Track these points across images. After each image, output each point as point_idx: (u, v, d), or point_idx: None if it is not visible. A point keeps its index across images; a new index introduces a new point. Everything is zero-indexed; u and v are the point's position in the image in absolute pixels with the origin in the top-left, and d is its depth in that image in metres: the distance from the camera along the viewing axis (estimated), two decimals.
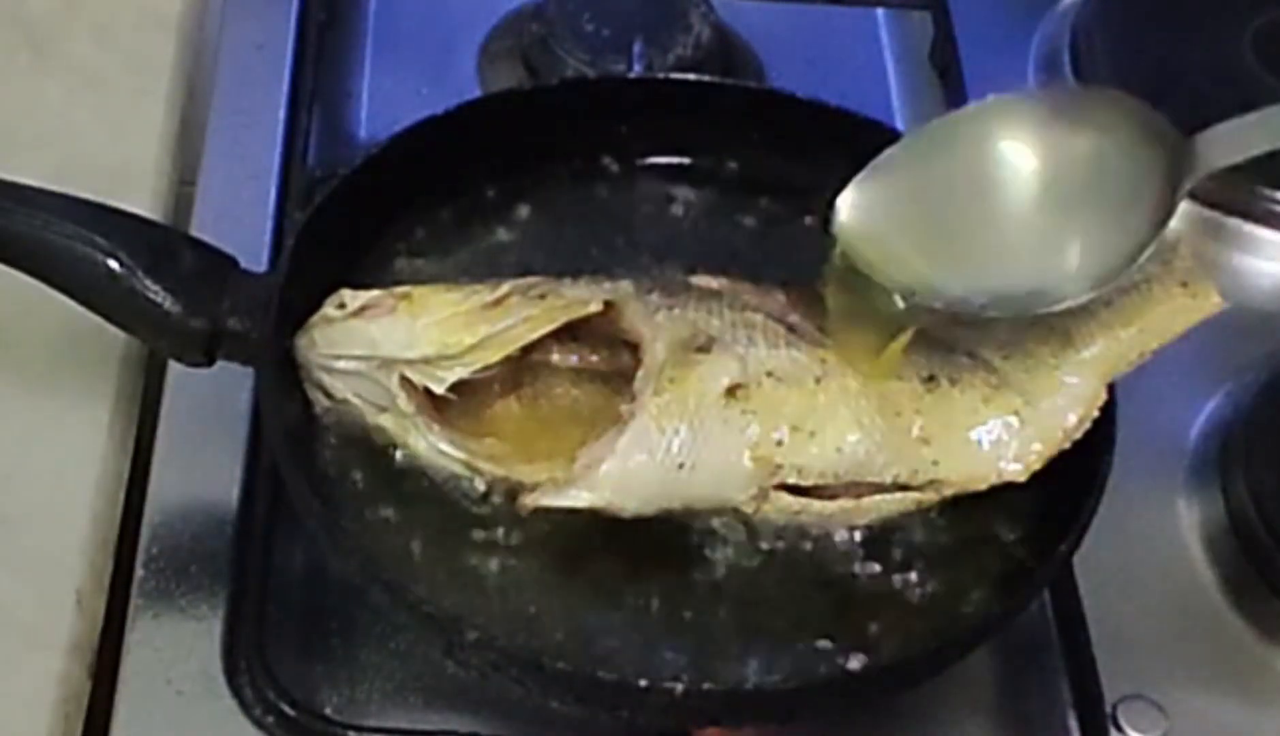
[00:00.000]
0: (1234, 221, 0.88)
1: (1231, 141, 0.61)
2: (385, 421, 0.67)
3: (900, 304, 0.63)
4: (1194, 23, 0.96)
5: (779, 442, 0.64)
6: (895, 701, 0.68)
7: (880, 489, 0.65)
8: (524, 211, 0.77)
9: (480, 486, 0.66)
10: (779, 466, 0.64)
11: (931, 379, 0.66)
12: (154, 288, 0.66)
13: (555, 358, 0.68)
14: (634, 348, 0.67)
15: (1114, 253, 0.62)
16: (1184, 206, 0.86)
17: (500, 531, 0.66)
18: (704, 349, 0.66)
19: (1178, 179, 0.61)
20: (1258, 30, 0.95)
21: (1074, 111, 0.64)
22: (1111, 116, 0.63)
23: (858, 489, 0.65)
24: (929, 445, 0.65)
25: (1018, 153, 0.64)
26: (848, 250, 0.64)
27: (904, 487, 0.65)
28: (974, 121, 0.65)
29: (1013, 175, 0.64)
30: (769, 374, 0.65)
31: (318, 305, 0.68)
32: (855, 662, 0.63)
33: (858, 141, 0.77)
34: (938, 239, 0.64)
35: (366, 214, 0.73)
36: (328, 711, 0.66)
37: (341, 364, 0.67)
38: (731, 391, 0.65)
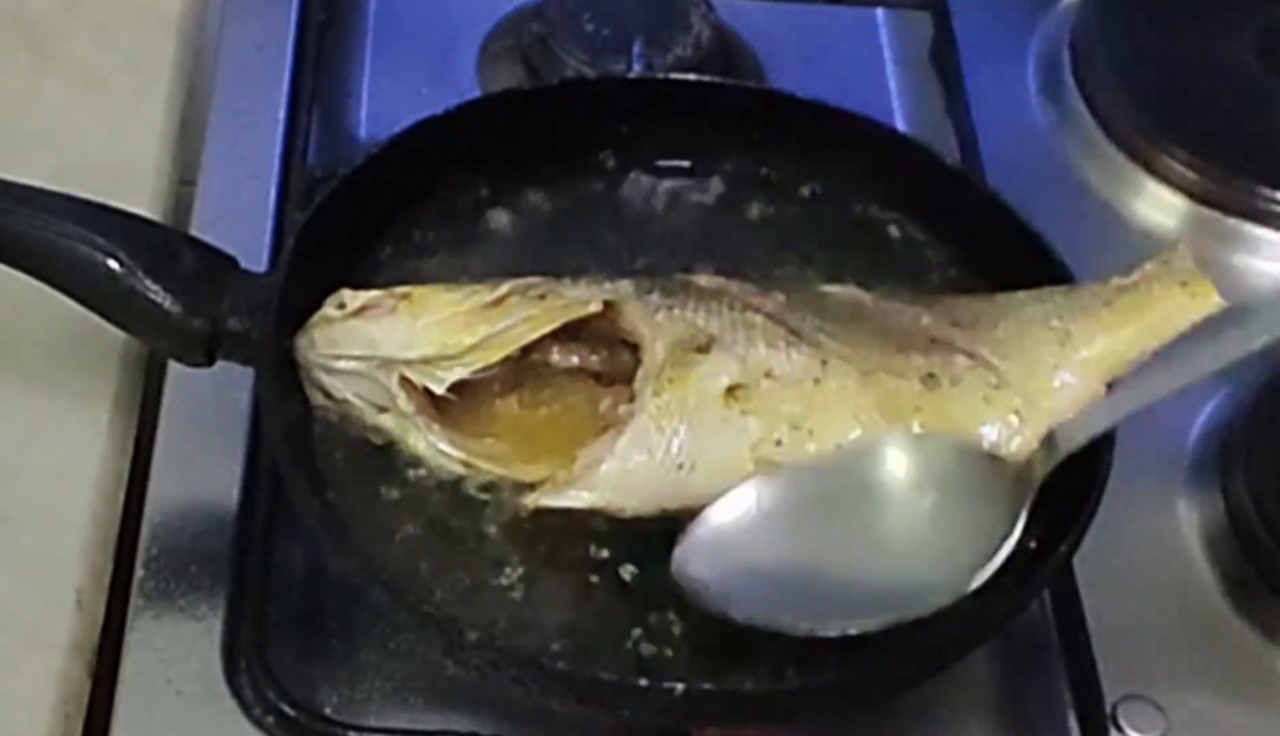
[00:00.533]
0: (1234, 221, 0.88)
1: (1084, 425, 0.63)
2: (385, 421, 0.67)
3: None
4: (1194, 23, 0.96)
5: (778, 442, 0.64)
6: (895, 701, 0.68)
7: None
8: (524, 212, 0.77)
9: (480, 487, 0.66)
10: (779, 466, 0.64)
11: (931, 377, 0.66)
12: (154, 288, 0.66)
13: (555, 358, 0.68)
14: (634, 348, 0.67)
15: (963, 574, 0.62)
16: (1184, 206, 0.88)
17: (501, 531, 0.66)
18: (703, 349, 0.66)
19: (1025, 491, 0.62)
20: (1258, 30, 0.95)
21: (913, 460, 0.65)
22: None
23: None
24: None
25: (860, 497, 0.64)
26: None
27: None
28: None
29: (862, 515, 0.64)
30: (768, 374, 0.65)
31: (318, 305, 0.68)
32: (855, 663, 0.63)
33: (858, 141, 0.78)
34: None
35: (366, 214, 0.73)
36: (328, 711, 0.66)
37: (341, 364, 0.67)
38: (731, 391, 0.65)
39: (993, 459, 0.64)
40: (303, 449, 0.67)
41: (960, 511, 0.63)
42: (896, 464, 0.64)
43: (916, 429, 0.65)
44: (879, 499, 0.64)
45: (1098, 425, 0.63)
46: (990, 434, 0.65)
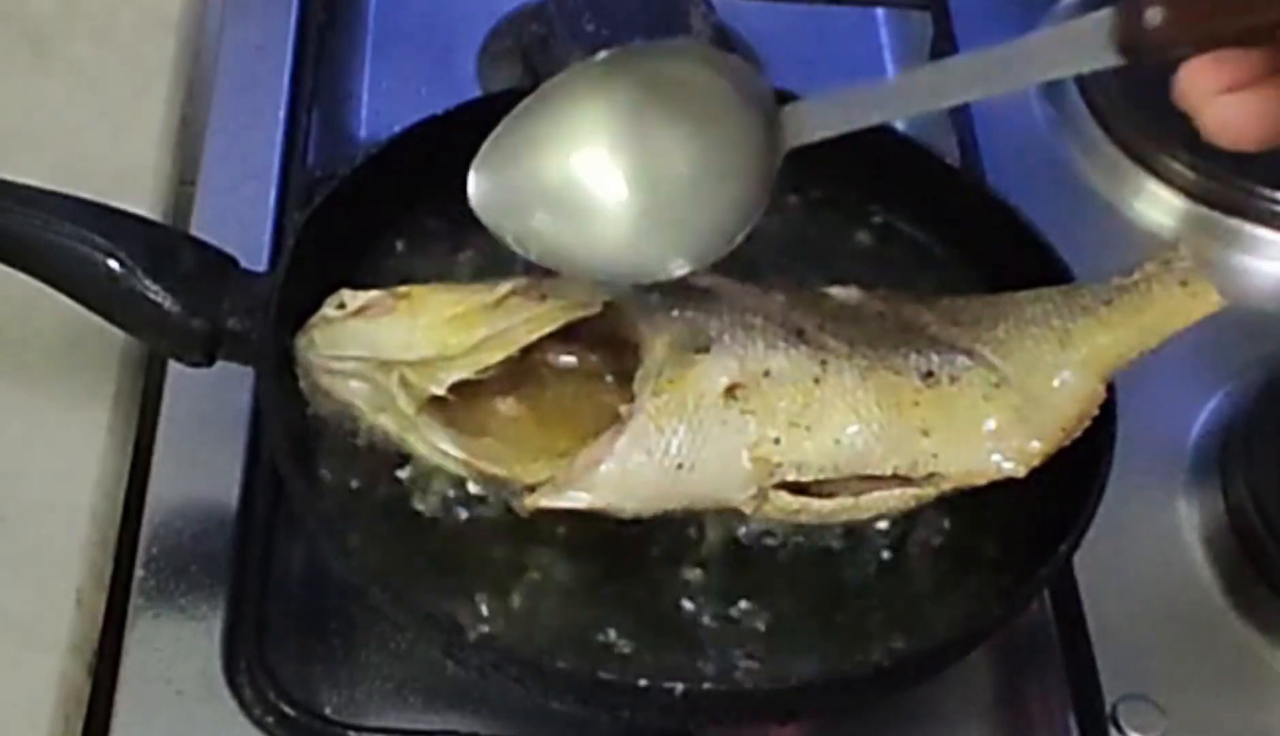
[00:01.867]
0: (1234, 221, 0.88)
1: (820, 117, 0.62)
2: (385, 421, 0.67)
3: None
4: None
5: (776, 440, 0.64)
6: (895, 701, 0.68)
7: (879, 484, 0.65)
8: None
9: (480, 486, 0.66)
10: (778, 465, 0.64)
11: (930, 375, 0.66)
12: (154, 288, 0.66)
13: (555, 358, 0.68)
14: (633, 348, 0.67)
15: (718, 231, 0.62)
16: (1184, 206, 0.88)
17: (499, 530, 0.66)
18: (703, 349, 0.66)
19: (775, 152, 0.62)
20: None
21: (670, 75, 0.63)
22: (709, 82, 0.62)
23: (857, 485, 0.65)
24: (928, 437, 0.65)
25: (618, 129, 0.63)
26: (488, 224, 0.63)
27: (904, 482, 0.65)
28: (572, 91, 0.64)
29: (614, 151, 0.63)
30: (767, 374, 0.65)
31: (318, 305, 0.68)
32: (855, 664, 0.63)
33: (858, 141, 0.77)
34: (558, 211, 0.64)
35: (366, 214, 0.73)
36: (328, 711, 0.66)
37: (341, 364, 0.67)
38: (730, 391, 0.65)
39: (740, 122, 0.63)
40: (303, 449, 0.67)
41: (719, 173, 0.63)
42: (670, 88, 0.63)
43: (917, 423, 0.65)
44: (655, 129, 0.63)
45: (834, 121, 0.62)
46: (992, 433, 0.65)
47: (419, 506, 0.66)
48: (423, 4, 0.95)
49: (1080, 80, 0.93)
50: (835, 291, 0.71)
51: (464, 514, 0.66)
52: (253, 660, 0.66)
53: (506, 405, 0.68)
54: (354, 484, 0.67)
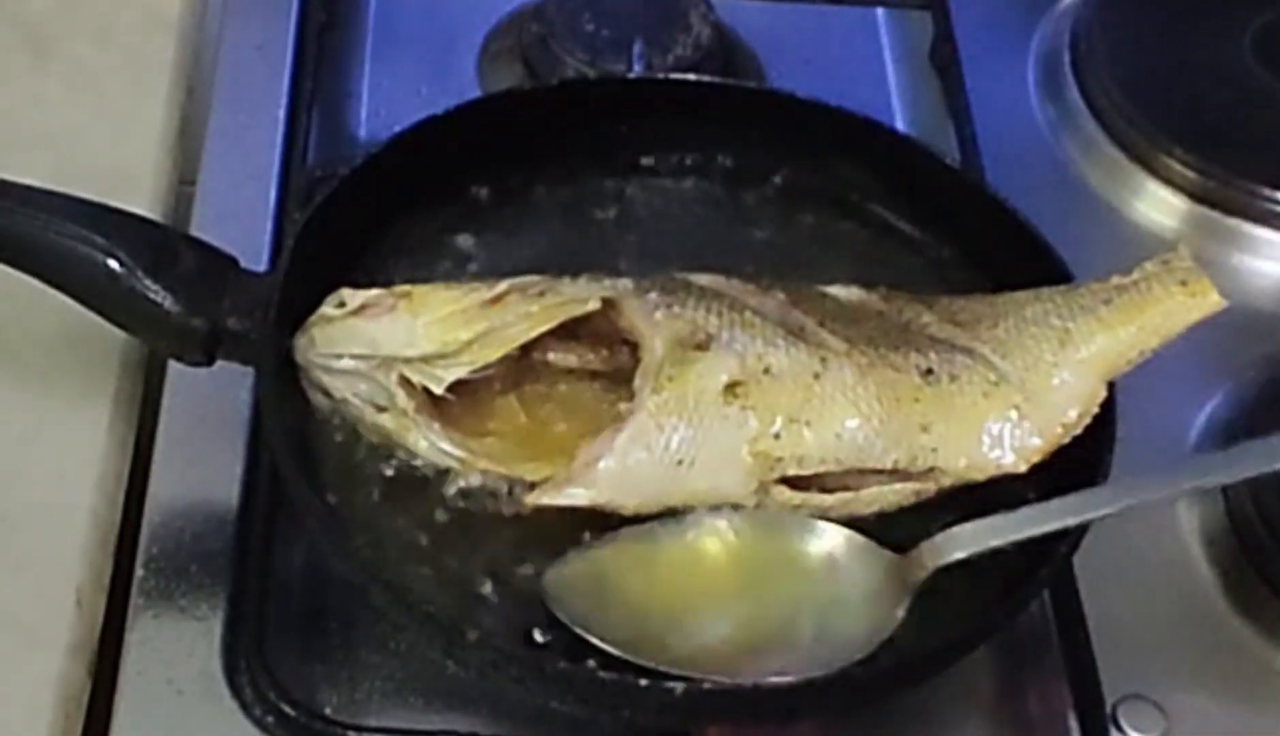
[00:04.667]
0: (1234, 221, 0.88)
1: (950, 546, 0.63)
2: (385, 421, 0.67)
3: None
4: (1194, 23, 0.96)
5: (776, 435, 0.64)
6: (895, 701, 0.68)
7: (879, 479, 0.65)
8: (523, 211, 0.77)
9: (480, 485, 0.66)
10: (779, 460, 0.64)
11: (930, 373, 0.66)
12: (154, 288, 0.66)
13: (554, 356, 0.68)
14: (633, 346, 0.67)
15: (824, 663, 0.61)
16: (1184, 206, 0.88)
17: (499, 529, 0.66)
18: (702, 346, 0.66)
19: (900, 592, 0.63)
20: (1258, 30, 0.95)
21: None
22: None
23: (857, 480, 0.65)
24: (928, 432, 0.65)
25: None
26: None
27: (903, 477, 0.65)
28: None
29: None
30: (767, 371, 0.65)
31: (318, 305, 0.68)
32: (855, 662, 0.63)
33: (858, 141, 0.78)
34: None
35: (366, 214, 0.73)
36: (328, 711, 0.66)
37: (341, 363, 0.67)
38: (730, 388, 0.65)
39: (880, 554, 0.64)
40: (303, 449, 0.67)
41: (843, 596, 0.63)
42: (793, 541, 0.64)
43: (917, 417, 0.65)
44: (770, 569, 0.64)
45: (982, 542, 0.63)
46: (992, 430, 0.66)
47: (419, 504, 0.66)
48: (423, 4, 0.95)
49: (1080, 80, 0.93)
50: (835, 290, 0.71)
51: (464, 511, 0.66)
52: (253, 660, 0.66)
53: (506, 404, 0.68)
54: (353, 483, 0.67)
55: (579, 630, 0.61)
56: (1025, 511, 0.63)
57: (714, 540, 0.64)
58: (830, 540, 0.64)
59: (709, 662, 0.61)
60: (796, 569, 0.64)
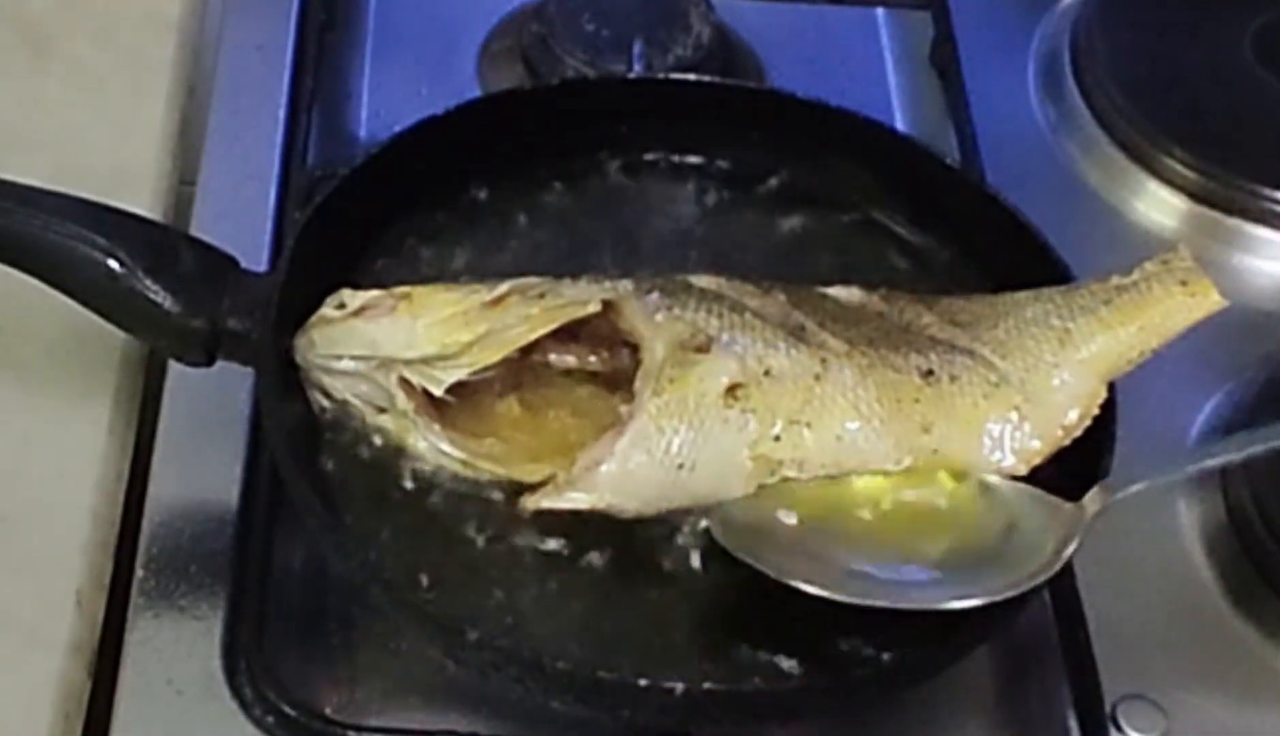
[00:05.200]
0: (1234, 221, 0.88)
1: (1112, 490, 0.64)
2: (385, 422, 0.67)
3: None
4: (1194, 23, 0.96)
5: (776, 437, 0.64)
6: (895, 701, 0.68)
7: None
8: (523, 211, 0.77)
9: (480, 487, 0.66)
10: (780, 463, 0.64)
11: (930, 374, 0.66)
12: (154, 288, 0.66)
13: (555, 358, 0.68)
14: (633, 348, 0.67)
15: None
16: (1184, 206, 0.88)
17: (500, 530, 0.66)
18: (703, 349, 0.66)
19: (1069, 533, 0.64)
20: (1258, 30, 0.95)
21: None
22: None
23: None
24: (929, 433, 0.65)
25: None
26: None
27: None
28: None
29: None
30: (768, 373, 0.65)
31: (318, 305, 0.68)
32: (855, 662, 0.63)
33: (858, 141, 0.78)
34: None
35: (366, 214, 0.73)
36: (328, 711, 0.66)
37: (341, 364, 0.67)
38: (731, 391, 0.65)
39: (1049, 501, 0.65)
40: (303, 449, 0.67)
41: (1017, 542, 0.64)
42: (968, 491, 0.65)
43: (917, 419, 0.65)
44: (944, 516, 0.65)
45: (1143, 481, 0.64)
46: (992, 431, 0.66)
47: (419, 506, 0.66)
48: (423, 4, 0.95)
49: (1080, 80, 0.93)
50: (835, 291, 0.71)
51: (464, 513, 0.66)
52: (253, 660, 0.66)
53: (506, 405, 0.68)
54: (354, 484, 0.67)
55: (747, 559, 0.62)
56: (1184, 450, 0.64)
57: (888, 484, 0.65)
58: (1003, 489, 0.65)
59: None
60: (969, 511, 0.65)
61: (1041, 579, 0.62)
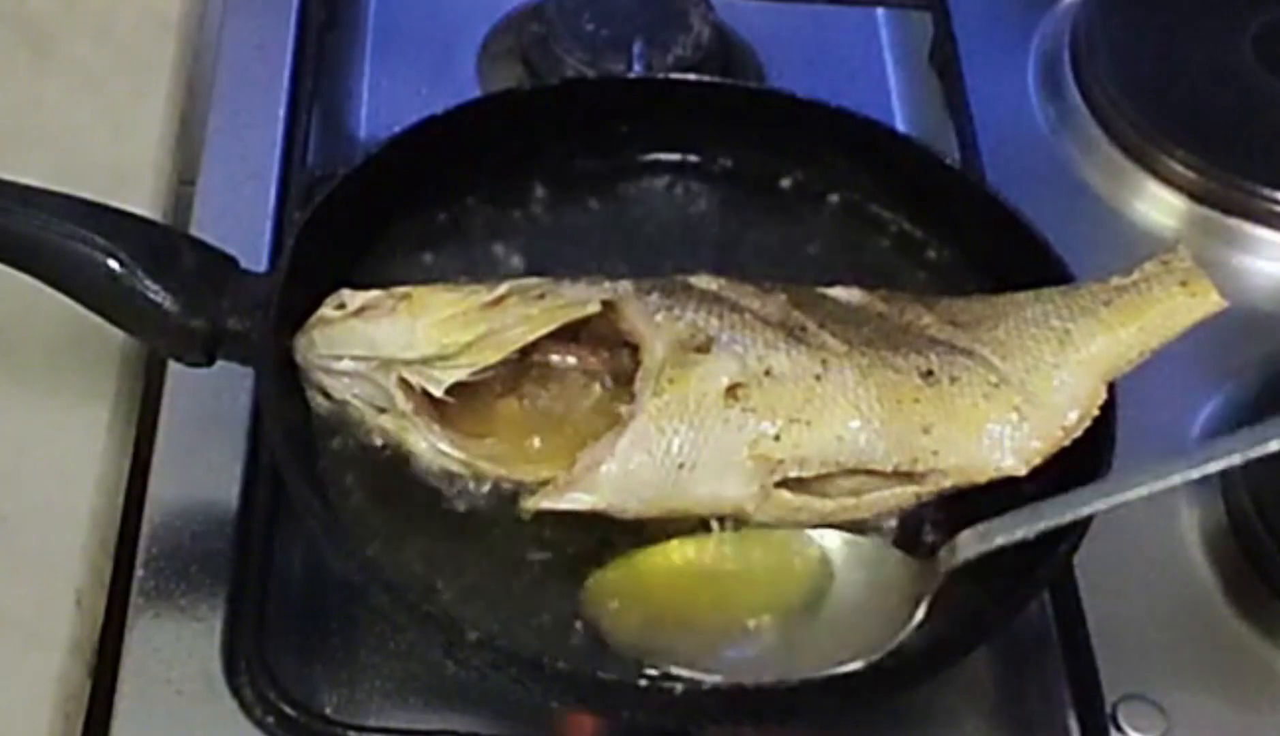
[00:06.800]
0: (1234, 221, 0.88)
1: (975, 542, 0.63)
2: (385, 422, 0.67)
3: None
4: (1194, 23, 0.96)
5: (778, 437, 0.64)
6: (895, 701, 0.68)
7: (880, 482, 0.65)
8: (523, 211, 0.77)
9: (480, 487, 0.66)
10: (780, 462, 0.64)
11: (930, 374, 0.66)
12: (154, 288, 0.66)
13: (555, 358, 0.68)
14: (633, 348, 0.67)
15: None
16: (1184, 206, 0.88)
17: (499, 530, 0.66)
18: (703, 349, 0.66)
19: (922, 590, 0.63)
20: (1258, 30, 0.95)
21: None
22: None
23: (858, 483, 0.65)
24: (929, 434, 0.65)
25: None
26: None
27: (904, 480, 0.65)
28: None
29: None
30: (768, 373, 0.65)
31: (318, 305, 0.68)
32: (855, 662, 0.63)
33: (858, 141, 0.78)
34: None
35: (366, 214, 0.73)
36: (328, 711, 0.66)
37: (341, 365, 0.67)
38: (731, 391, 0.65)
39: (901, 558, 0.65)
40: (303, 449, 0.67)
41: (867, 597, 0.64)
42: (813, 550, 0.65)
43: (917, 419, 0.65)
44: (791, 576, 0.65)
45: (1000, 537, 0.62)
46: (992, 431, 0.66)
47: (418, 505, 0.66)
48: (423, 4, 0.95)
49: (1080, 80, 0.93)
50: (835, 291, 0.71)
51: (464, 513, 0.66)
52: (253, 660, 0.66)
53: (506, 405, 0.68)
54: (353, 484, 0.67)
55: (605, 636, 0.62)
56: (1037, 505, 0.63)
57: (730, 548, 0.65)
58: (849, 545, 0.65)
59: (727, 666, 0.61)
60: (813, 574, 0.64)
61: (899, 639, 0.62)
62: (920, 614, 0.62)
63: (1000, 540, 0.62)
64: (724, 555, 0.65)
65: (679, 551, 0.65)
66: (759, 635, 0.63)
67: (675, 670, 0.61)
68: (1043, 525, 0.62)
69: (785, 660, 0.62)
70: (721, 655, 0.62)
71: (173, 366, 0.74)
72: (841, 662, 0.61)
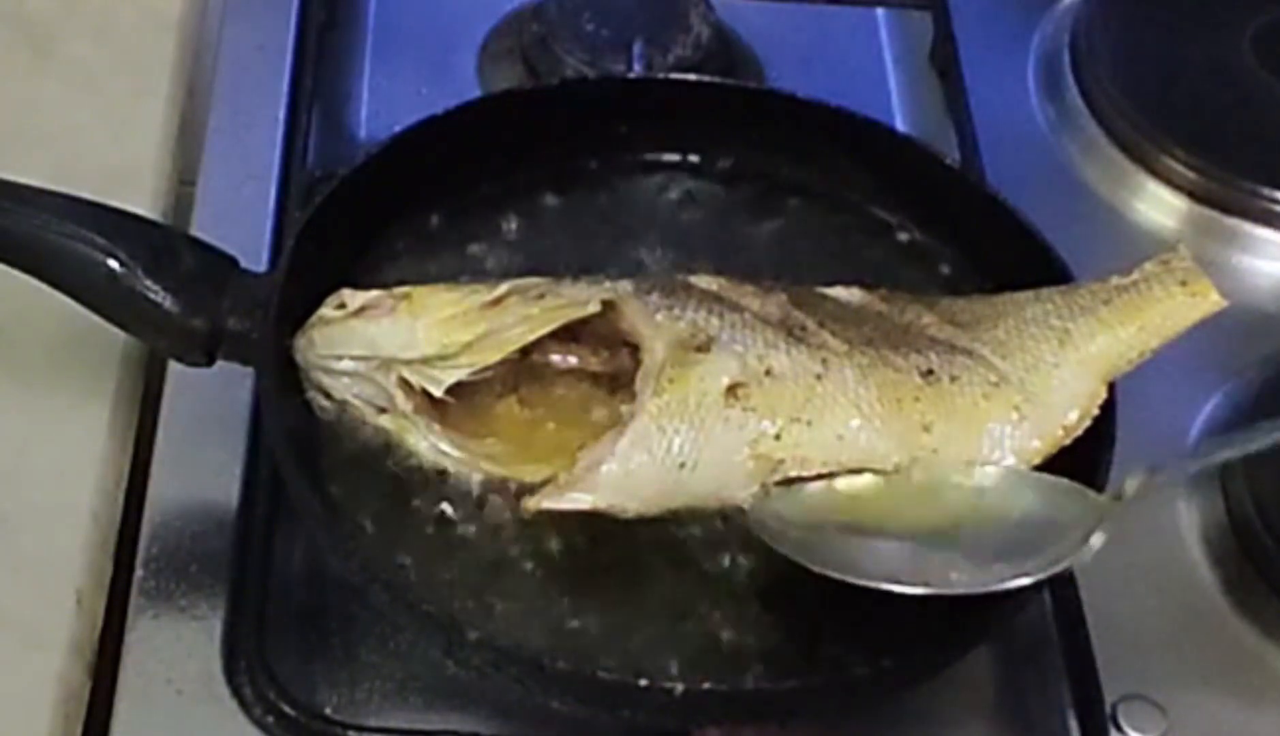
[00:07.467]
0: (1234, 221, 0.88)
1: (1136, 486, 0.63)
2: (385, 422, 0.67)
3: None
4: (1194, 23, 0.96)
5: (777, 436, 0.64)
6: (895, 701, 0.68)
7: None
8: (523, 212, 0.77)
9: (480, 487, 0.66)
10: (780, 462, 0.64)
11: (930, 373, 0.66)
12: (154, 288, 0.66)
13: (555, 358, 0.68)
14: (634, 348, 0.67)
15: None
16: (1184, 206, 0.88)
17: (499, 530, 0.66)
18: (704, 349, 0.66)
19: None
20: (1258, 30, 0.95)
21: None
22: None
23: None
24: (929, 433, 0.65)
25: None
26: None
27: None
28: None
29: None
30: (769, 372, 0.65)
31: (318, 305, 0.68)
32: (855, 663, 0.63)
33: (858, 141, 0.78)
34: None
35: (366, 214, 0.73)
36: (328, 711, 0.66)
37: (341, 364, 0.67)
38: (732, 390, 0.65)
39: (1076, 489, 0.65)
40: (303, 449, 0.67)
41: (1038, 524, 0.64)
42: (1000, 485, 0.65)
43: (917, 418, 0.65)
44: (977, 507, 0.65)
45: (1163, 477, 0.64)
46: (992, 431, 0.66)
47: (419, 506, 0.66)
48: (423, 4, 0.95)
49: (1080, 80, 0.93)
50: (836, 291, 0.71)
51: (464, 513, 0.66)
52: (253, 660, 0.66)
53: (506, 405, 0.68)
54: (353, 484, 0.67)
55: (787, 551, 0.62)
56: (1210, 439, 0.64)
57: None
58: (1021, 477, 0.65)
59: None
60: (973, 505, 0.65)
61: (1065, 564, 0.62)
62: (1095, 542, 0.62)
63: (1163, 480, 0.63)
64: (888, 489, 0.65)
65: (845, 482, 0.65)
66: (923, 547, 0.64)
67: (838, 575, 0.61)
68: (1219, 456, 0.65)
69: (944, 570, 0.62)
70: (888, 564, 0.62)
71: (173, 366, 0.74)
72: (1004, 579, 0.61)
